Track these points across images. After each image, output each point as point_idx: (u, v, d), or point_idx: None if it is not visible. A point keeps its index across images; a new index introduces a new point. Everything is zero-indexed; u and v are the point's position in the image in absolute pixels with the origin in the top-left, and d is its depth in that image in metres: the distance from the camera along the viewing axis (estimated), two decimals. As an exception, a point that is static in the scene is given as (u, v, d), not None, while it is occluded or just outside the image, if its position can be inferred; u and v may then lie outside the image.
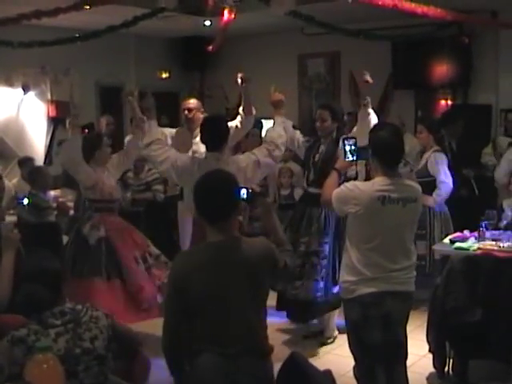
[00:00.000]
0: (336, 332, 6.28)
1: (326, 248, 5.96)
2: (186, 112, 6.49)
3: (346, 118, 6.47)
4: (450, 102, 10.11)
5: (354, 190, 4.01)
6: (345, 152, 4.42)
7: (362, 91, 5.91)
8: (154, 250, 6.06)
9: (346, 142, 4.41)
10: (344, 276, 4.14)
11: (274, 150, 5.35)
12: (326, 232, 5.99)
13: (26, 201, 7.04)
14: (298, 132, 6.39)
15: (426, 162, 7.01)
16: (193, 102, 6.57)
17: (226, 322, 3.19)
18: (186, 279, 3.15)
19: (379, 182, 4.01)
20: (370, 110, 5.80)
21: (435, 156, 6.96)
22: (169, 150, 5.46)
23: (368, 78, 5.75)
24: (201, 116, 6.35)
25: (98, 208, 6.06)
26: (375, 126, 4.68)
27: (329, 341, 6.23)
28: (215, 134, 5.23)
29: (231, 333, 3.19)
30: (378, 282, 4.00)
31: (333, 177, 4.39)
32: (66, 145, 6.27)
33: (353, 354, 4.27)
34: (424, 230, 6.91)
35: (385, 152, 4.06)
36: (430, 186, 6.76)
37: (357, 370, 4.24)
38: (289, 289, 5.98)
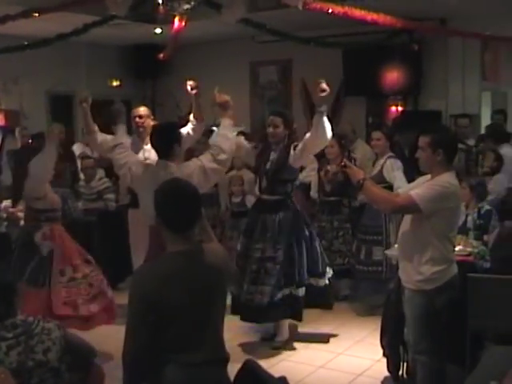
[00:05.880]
0: (287, 336, 6.33)
1: (281, 254, 6.00)
2: (137, 119, 6.62)
3: (295, 125, 6.46)
4: (400, 109, 10.23)
5: (449, 186, 4.34)
6: None
7: (318, 99, 5.92)
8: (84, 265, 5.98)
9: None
10: (430, 269, 4.35)
11: (219, 154, 5.23)
12: (280, 238, 6.02)
13: None
14: (242, 138, 6.44)
15: (381, 168, 6.99)
16: (143, 110, 6.73)
17: (196, 330, 3.14)
18: (158, 292, 3.05)
19: (453, 175, 4.43)
20: (325, 118, 5.84)
21: (391, 162, 6.94)
22: (130, 155, 5.53)
23: (324, 85, 5.73)
24: (151, 123, 6.51)
25: (47, 218, 5.97)
26: (440, 126, 5.70)
27: (280, 345, 6.25)
28: (164, 141, 5.21)
29: (200, 341, 3.15)
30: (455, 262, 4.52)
31: (374, 186, 4.56)
32: (43, 157, 5.93)
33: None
34: (380, 235, 6.95)
35: (455, 152, 4.59)
36: None
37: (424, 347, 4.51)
38: (243, 294, 6.04)
